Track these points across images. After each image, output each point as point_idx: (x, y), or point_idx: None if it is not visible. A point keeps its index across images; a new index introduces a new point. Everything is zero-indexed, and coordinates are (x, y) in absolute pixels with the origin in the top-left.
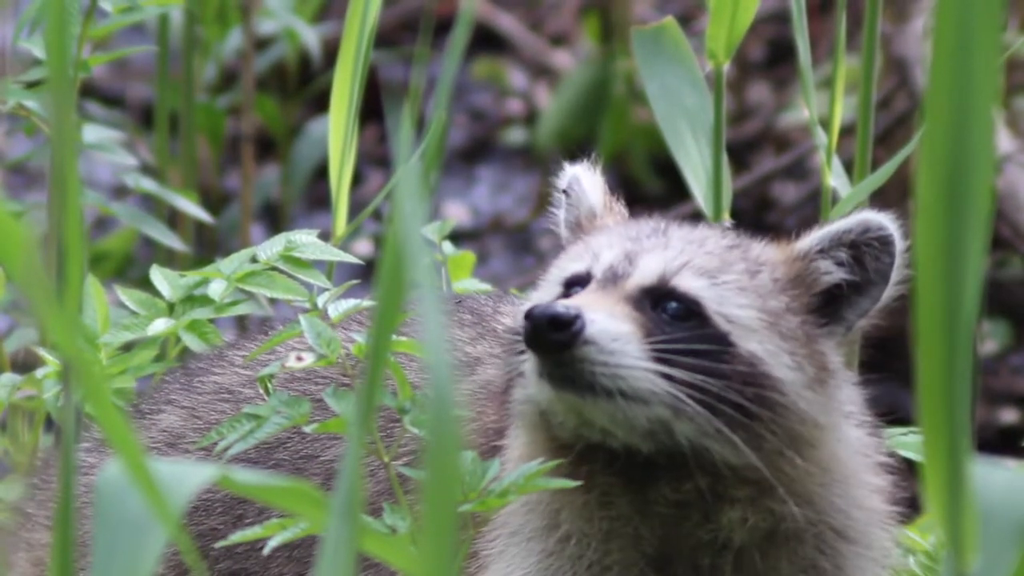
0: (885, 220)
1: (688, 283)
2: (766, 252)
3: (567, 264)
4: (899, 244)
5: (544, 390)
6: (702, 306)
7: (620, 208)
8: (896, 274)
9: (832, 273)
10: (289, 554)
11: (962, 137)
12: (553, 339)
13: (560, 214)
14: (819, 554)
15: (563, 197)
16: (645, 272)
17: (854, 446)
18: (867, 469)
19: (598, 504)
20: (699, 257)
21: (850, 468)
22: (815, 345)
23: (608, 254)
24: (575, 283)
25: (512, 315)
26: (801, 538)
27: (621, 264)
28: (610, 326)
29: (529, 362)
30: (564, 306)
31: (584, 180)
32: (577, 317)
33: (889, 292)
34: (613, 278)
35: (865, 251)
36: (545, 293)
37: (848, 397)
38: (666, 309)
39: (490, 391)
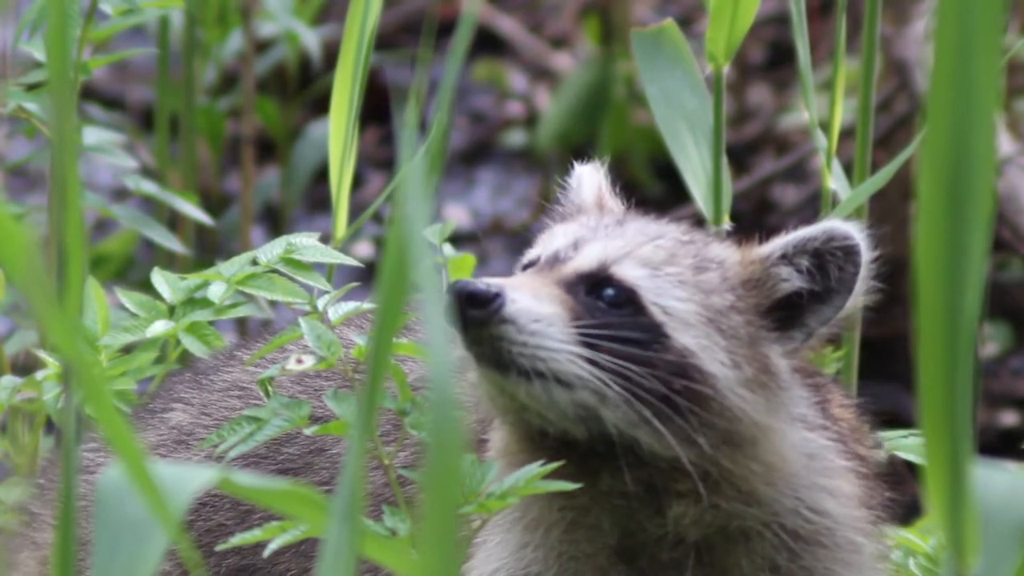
0: (851, 229)
1: (627, 272)
2: (723, 252)
3: (527, 252)
4: (865, 254)
5: (473, 370)
6: (638, 295)
7: (617, 206)
8: (861, 284)
9: (790, 280)
10: (297, 549)
11: (963, 139)
12: (470, 315)
13: (557, 210)
14: (777, 554)
15: (566, 196)
16: (586, 258)
17: (804, 449)
18: (822, 472)
19: (560, 493)
20: (646, 248)
21: (799, 471)
22: (758, 347)
23: (559, 241)
24: (527, 268)
25: None
26: (759, 536)
27: (566, 250)
28: (532, 306)
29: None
30: (485, 284)
31: (584, 177)
32: (497, 295)
33: (853, 302)
34: (553, 262)
35: (829, 260)
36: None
37: (797, 401)
38: (602, 296)
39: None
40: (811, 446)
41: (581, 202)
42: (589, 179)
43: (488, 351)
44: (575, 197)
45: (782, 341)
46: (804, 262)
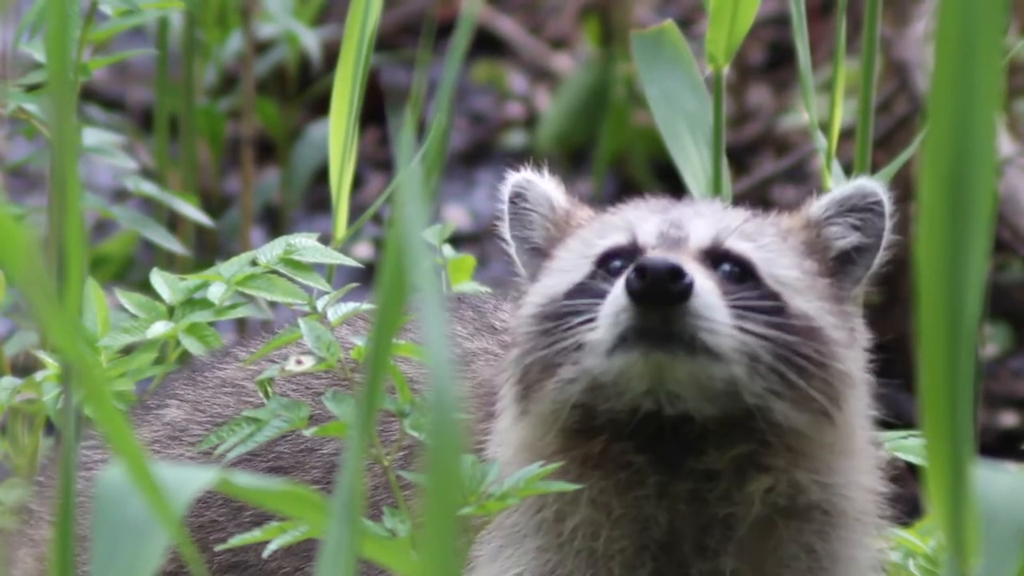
0: (876, 185)
1: (739, 246)
2: (783, 220)
3: (591, 244)
4: (888, 206)
5: (626, 356)
6: (755, 267)
7: (581, 201)
8: (886, 237)
9: (845, 238)
10: (288, 548)
11: (964, 140)
12: (673, 290)
13: (507, 224)
14: (816, 536)
15: (511, 206)
16: (699, 235)
17: (864, 413)
18: (868, 444)
19: (618, 489)
20: (737, 221)
21: (859, 440)
22: (844, 306)
23: (648, 225)
24: (614, 256)
25: (523, 308)
26: (808, 517)
27: (671, 230)
28: (705, 283)
29: (615, 323)
30: (676, 259)
31: (538, 182)
32: (686, 270)
33: (880, 257)
34: (672, 242)
35: (867, 215)
36: (567, 276)
37: (865, 360)
38: (722, 270)
39: (480, 391)
40: (868, 412)
41: (563, 208)
42: (547, 184)
43: (670, 329)
44: (547, 205)
45: (849, 298)
46: (850, 219)
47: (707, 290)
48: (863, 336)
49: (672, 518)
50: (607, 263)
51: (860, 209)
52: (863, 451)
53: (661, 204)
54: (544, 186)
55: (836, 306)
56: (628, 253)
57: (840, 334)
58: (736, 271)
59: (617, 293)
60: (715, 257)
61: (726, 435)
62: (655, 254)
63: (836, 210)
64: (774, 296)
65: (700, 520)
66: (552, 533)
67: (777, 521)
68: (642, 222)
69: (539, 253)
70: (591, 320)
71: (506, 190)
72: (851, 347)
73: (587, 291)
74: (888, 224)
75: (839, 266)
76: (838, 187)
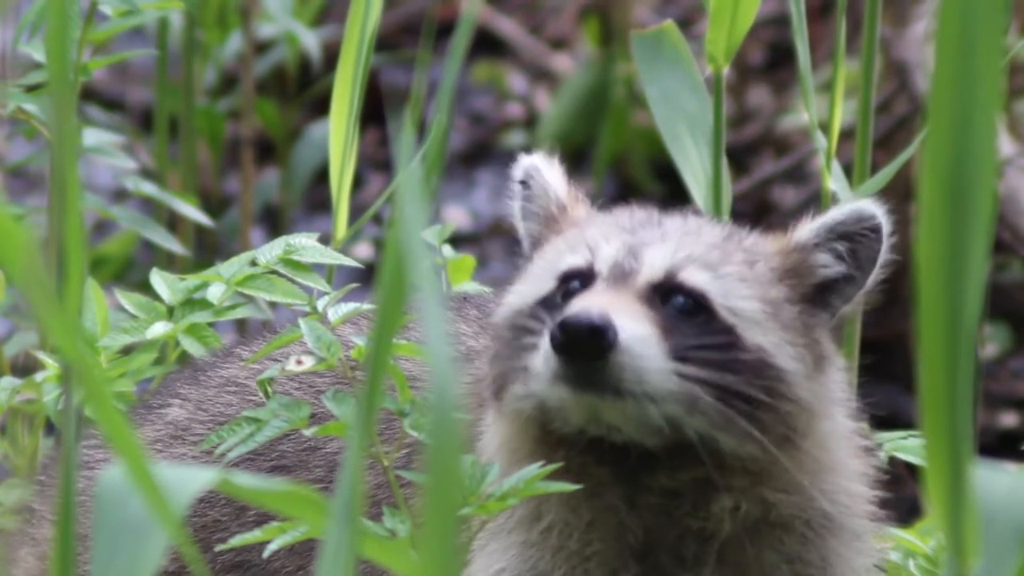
0: (875, 208)
1: (694, 277)
2: (761, 243)
3: (559, 257)
4: (886, 230)
5: (560, 391)
6: (709, 300)
7: (584, 197)
8: (882, 259)
9: (830, 267)
10: (291, 548)
11: (965, 140)
12: (590, 348)
13: (517, 205)
14: (800, 544)
15: (520, 188)
16: (651, 267)
17: (841, 432)
18: (851, 454)
19: (586, 495)
20: (700, 249)
21: (837, 455)
22: (812, 334)
23: (607, 248)
24: (573, 277)
25: (501, 307)
26: (787, 527)
27: (626, 259)
28: (637, 331)
29: (545, 363)
30: (599, 314)
31: (544, 170)
32: (610, 326)
33: (874, 277)
34: (621, 275)
35: (859, 241)
36: (535, 286)
37: (838, 384)
38: (673, 304)
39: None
40: (846, 429)
41: (559, 199)
42: (551, 172)
43: (595, 377)
44: (546, 193)
45: (823, 324)
46: (839, 247)
47: (636, 339)
48: (835, 361)
49: (646, 527)
50: (566, 282)
51: (855, 236)
52: (845, 462)
53: (635, 220)
54: (547, 175)
55: (802, 335)
56: (584, 276)
57: (799, 366)
58: (689, 304)
59: (545, 338)
60: (666, 291)
61: (676, 460)
62: (580, 306)
63: (826, 236)
64: (727, 330)
65: (674, 531)
66: (531, 530)
67: (754, 533)
68: (603, 244)
69: (539, 243)
70: (537, 341)
71: (517, 172)
72: (814, 377)
73: (548, 309)
74: (885, 246)
75: (818, 293)
76: (837, 208)
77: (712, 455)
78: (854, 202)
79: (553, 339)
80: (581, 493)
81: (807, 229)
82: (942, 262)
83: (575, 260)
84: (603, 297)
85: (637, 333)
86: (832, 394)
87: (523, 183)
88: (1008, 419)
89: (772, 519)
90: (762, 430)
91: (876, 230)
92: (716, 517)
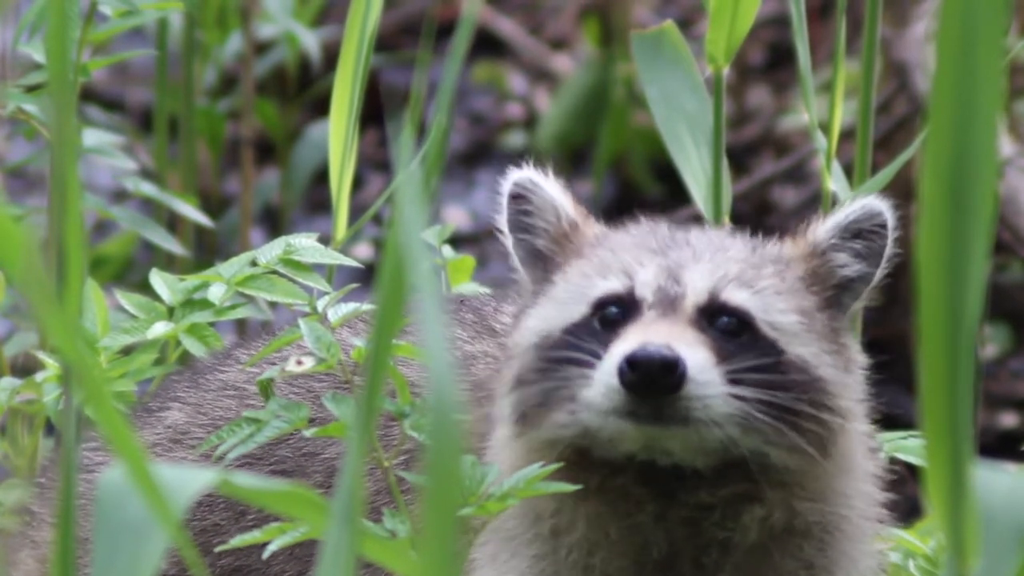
0: (881, 203)
1: (736, 296)
2: (784, 250)
3: (588, 281)
4: (892, 223)
5: (621, 424)
6: (751, 317)
7: (586, 212)
8: (889, 254)
9: (849, 266)
10: (290, 552)
11: (966, 141)
12: (662, 384)
13: (508, 217)
14: (820, 550)
15: (512, 202)
16: (695, 290)
17: (861, 434)
18: (865, 455)
19: (617, 515)
20: (734, 266)
21: (856, 458)
22: (840, 338)
23: (645, 273)
24: (610, 303)
25: (523, 330)
26: (808, 534)
27: (668, 284)
28: (700, 360)
29: (607, 398)
30: (669, 349)
31: (545, 185)
32: (680, 360)
33: (881, 272)
34: (667, 301)
35: (871, 238)
36: (563, 311)
37: (862, 385)
38: (718, 325)
39: (480, 394)
40: (865, 431)
41: (569, 216)
42: (553, 187)
43: (658, 410)
44: (553, 210)
45: (846, 326)
46: (856, 245)
47: (701, 368)
48: (859, 361)
49: (670, 540)
50: (603, 308)
51: (866, 233)
52: (861, 464)
53: (659, 239)
54: (551, 191)
55: (833, 341)
56: (624, 303)
57: (837, 373)
58: (733, 323)
59: (610, 372)
60: (712, 312)
61: (720, 477)
62: (643, 340)
63: (842, 235)
64: (771, 346)
65: (698, 541)
66: (548, 545)
67: (776, 541)
68: (640, 268)
69: (542, 259)
70: (586, 372)
71: (507, 186)
72: (847, 382)
73: (583, 336)
74: (891, 242)
75: (837, 294)
76: (843, 207)
77: (760, 469)
78: (860, 199)
79: (622, 375)
80: (610, 514)
81: (822, 231)
82: (943, 262)
83: (610, 285)
84: (661, 327)
85: (701, 363)
86: (859, 396)
87: (516, 196)
88: (1008, 419)
89: (795, 526)
90: (807, 441)
91: (884, 225)
92: (744, 528)
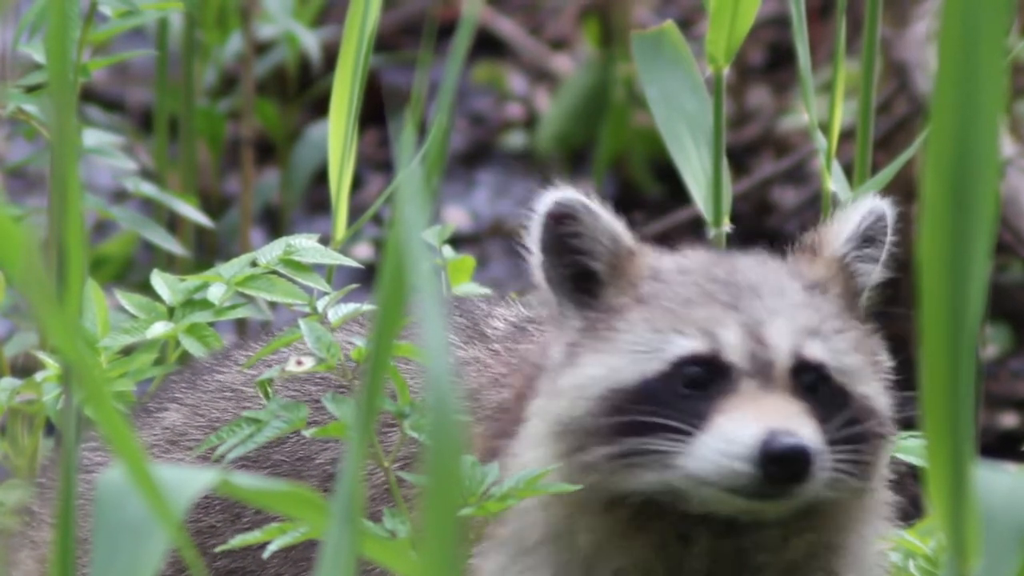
0: (881, 202)
1: (813, 351)
2: (813, 270)
3: (663, 337)
4: (892, 221)
5: (727, 497)
6: (827, 370)
7: (644, 244)
8: (889, 251)
9: (868, 274)
10: (286, 555)
11: (967, 141)
12: (795, 475)
13: (542, 239)
14: (843, 559)
15: (553, 222)
16: (781, 352)
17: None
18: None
19: (666, 553)
20: (800, 314)
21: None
22: (875, 352)
23: (728, 333)
24: (693, 364)
25: (582, 376)
26: (838, 548)
27: (755, 348)
28: (817, 440)
29: (720, 475)
30: (797, 439)
31: (598, 211)
32: (811, 451)
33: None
34: (762, 369)
35: (880, 240)
36: (635, 365)
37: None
38: (801, 382)
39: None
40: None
41: (626, 245)
42: (603, 211)
43: (779, 494)
44: (608, 237)
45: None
46: (870, 251)
47: (821, 450)
48: (887, 367)
49: (711, 568)
50: (684, 367)
51: (875, 235)
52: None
53: (722, 283)
54: (605, 216)
55: (873, 358)
56: (711, 366)
57: (883, 397)
58: (813, 378)
59: (728, 452)
60: (796, 370)
61: (787, 519)
62: (773, 426)
63: (857, 243)
64: (842, 392)
65: (739, 565)
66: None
67: (811, 558)
68: (720, 327)
69: (583, 284)
70: (683, 439)
71: (547, 205)
72: (888, 400)
73: (667, 396)
74: (892, 238)
75: (861, 303)
76: (847, 212)
77: (820, 504)
78: (861, 201)
79: (751, 463)
80: (658, 548)
81: (838, 241)
82: (944, 262)
83: (692, 345)
84: (772, 405)
85: (819, 443)
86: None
87: (559, 217)
88: (1008, 419)
89: (830, 542)
90: (868, 475)
91: (887, 224)
92: (792, 551)
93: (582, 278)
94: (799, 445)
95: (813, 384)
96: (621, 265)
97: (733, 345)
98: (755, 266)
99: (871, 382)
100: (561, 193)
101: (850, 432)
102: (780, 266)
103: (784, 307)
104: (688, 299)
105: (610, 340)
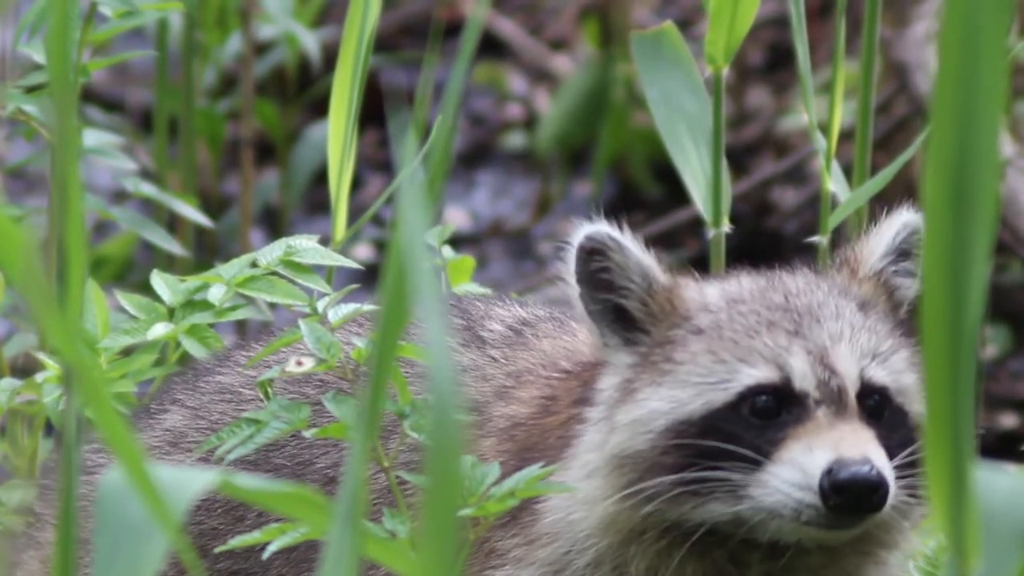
0: (916, 216)
1: (876, 375)
2: (862, 289)
3: (729, 367)
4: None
5: (801, 528)
6: (889, 392)
7: (679, 277)
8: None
9: (907, 288)
10: (288, 556)
11: (968, 141)
12: (870, 505)
13: (577, 272)
14: (876, 566)
15: (586, 257)
16: (850, 378)
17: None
18: None
19: (719, 573)
20: (862, 337)
21: None
22: (917, 362)
23: (797, 361)
24: (762, 393)
25: (642, 409)
26: (872, 556)
27: (825, 374)
28: (888, 468)
29: (796, 510)
30: (871, 468)
31: (628, 245)
32: (885, 481)
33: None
34: (833, 397)
35: (913, 252)
36: (701, 396)
37: None
38: (868, 406)
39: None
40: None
41: (661, 281)
42: (636, 246)
43: (852, 524)
44: (641, 272)
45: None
46: (905, 265)
47: (892, 477)
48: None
49: None
50: (754, 397)
51: (912, 248)
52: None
53: (781, 309)
54: (636, 252)
55: (919, 371)
56: (782, 395)
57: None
58: (877, 401)
59: (801, 484)
60: (862, 395)
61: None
62: (846, 456)
63: (894, 258)
64: (901, 412)
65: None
66: None
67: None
68: (787, 355)
69: (622, 318)
70: (753, 468)
71: (579, 239)
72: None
73: (735, 427)
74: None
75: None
76: (882, 227)
77: (879, 528)
78: (896, 216)
79: (825, 494)
80: (713, 571)
81: (874, 257)
82: (944, 263)
83: (761, 375)
84: (846, 434)
85: (891, 472)
86: None
87: (591, 251)
88: (1008, 420)
89: (878, 558)
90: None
91: (920, 236)
92: (837, 571)
93: (623, 311)
94: (865, 476)
95: (878, 408)
96: (659, 302)
97: (803, 373)
98: (808, 289)
99: (921, 399)
100: (593, 227)
101: (912, 455)
102: (831, 286)
103: (845, 330)
104: (750, 328)
105: (670, 373)
